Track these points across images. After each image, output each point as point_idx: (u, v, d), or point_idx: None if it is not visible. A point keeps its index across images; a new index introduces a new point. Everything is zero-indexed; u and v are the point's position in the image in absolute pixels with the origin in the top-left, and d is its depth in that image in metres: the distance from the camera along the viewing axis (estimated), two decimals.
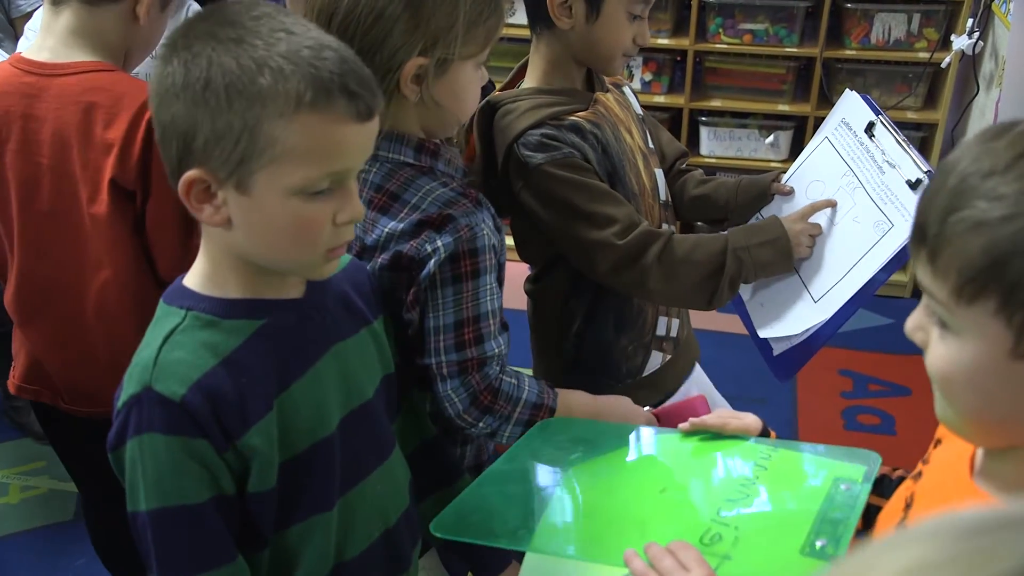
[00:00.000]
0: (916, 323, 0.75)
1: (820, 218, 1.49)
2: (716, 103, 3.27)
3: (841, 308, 1.39)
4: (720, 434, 1.11)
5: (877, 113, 1.47)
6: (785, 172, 1.62)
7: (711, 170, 3.31)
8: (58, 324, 1.49)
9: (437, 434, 1.26)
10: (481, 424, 1.20)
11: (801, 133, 3.24)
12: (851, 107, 1.53)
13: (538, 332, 1.63)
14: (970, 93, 3.02)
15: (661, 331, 1.59)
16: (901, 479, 1.01)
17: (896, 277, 3.29)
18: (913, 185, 1.37)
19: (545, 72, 1.48)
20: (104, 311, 1.44)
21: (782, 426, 2.27)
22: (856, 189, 1.45)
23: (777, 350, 1.49)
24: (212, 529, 0.94)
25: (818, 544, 0.89)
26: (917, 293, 3.65)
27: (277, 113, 0.86)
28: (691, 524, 0.95)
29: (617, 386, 1.50)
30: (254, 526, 0.99)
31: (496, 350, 1.19)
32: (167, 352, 0.92)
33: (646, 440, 1.19)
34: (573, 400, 1.27)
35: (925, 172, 1.36)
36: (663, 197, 1.58)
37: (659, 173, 1.58)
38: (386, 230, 1.15)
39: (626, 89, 1.63)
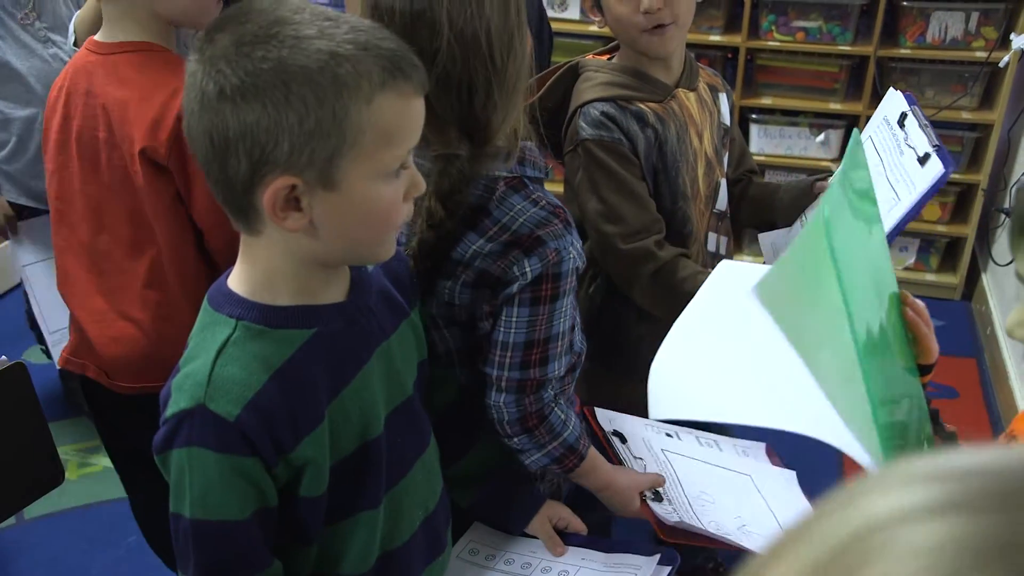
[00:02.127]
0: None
1: None
2: (767, 101, 3.25)
3: None
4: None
5: (911, 104, 1.51)
6: (832, 173, 1.64)
7: (760, 168, 3.29)
8: (109, 298, 1.54)
9: (462, 395, 1.25)
10: (515, 441, 1.21)
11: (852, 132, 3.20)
12: (891, 104, 1.56)
13: None
14: None
15: None
16: (953, 434, 1.00)
17: (947, 279, 3.25)
18: (921, 160, 1.39)
19: (628, 55, 1.57)
20: (154, 285, 1.49)
21: None
22: (879, 176, 1.49)
23: None
24: (250, 541, 0.95)
25: None
26: (967, 295, 3.58)
27: (364, 100, 0.85)
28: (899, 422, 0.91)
29: (631, 382, 1.46)
30: (303, 525, 1.00)
31: (556, 372, 1.19)
32: (220, 368, 0.91)
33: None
34: (597, 461, 1.29)
35: (934, 147, 1.39)
36: (720, 207, 1.61)
37: (723, 183, 1.62)
38: (473, 247, 1.13)
39: (723, 96, 1.66)
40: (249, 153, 0.85)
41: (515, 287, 1.12)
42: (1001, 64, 2.90)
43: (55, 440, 2.54)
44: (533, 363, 1.16)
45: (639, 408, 1.23)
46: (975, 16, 2.99)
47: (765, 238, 1.67)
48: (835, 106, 3.19)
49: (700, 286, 1.43)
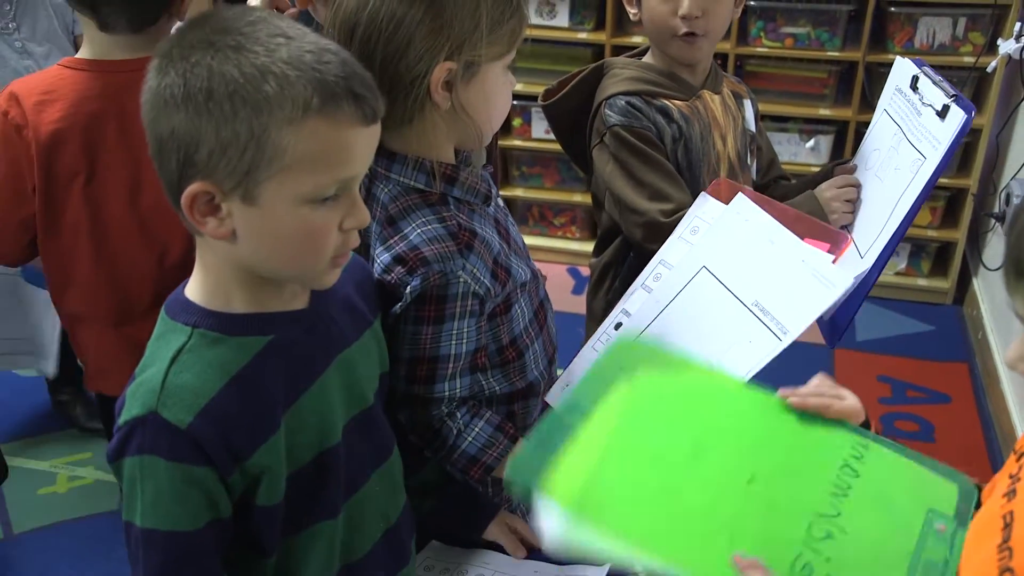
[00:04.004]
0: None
1: (868, 180, 1.52)
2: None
3: (882, 252, 1.41)
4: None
5: (921, 66, 1.50)
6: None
7: None
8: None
9: None
10: (426, 451, 1.22)
11: (842, 138, 3.21)
12: (901, 72, 1.56)
13: (589, 308, 1.68)
14: (1016, 98, 2.97)
15: None
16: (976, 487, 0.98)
17: (938, 284, 3.26)
18: (940, 113, 1.38)
19: (656, 56, 1.60)
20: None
21: None
22: (901, 141, 1.48)
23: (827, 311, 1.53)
24: (201, 553, 0.94)
25: None
26: (958, 299, 3.58)
27: (285, 120, 0.85)
28: (782, 540, 0.88)
29: None
30: (260, 536, 0.99)
31: (447, 392, 1.17)
32: (175, 375, 0.91)
33: (736, 398, 1.05)
34: None
35: (951, 97, 1.37)
36: None
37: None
38: (372, 253, 1.15)
39: (747, 103, 1.68)
40: (176, 154, 0.87)
41: (398, 307, 1.13)
42: (989, 69, 2.91)
43: (45, 453, 2.54)
44: (418, 379, 1.16)
45: None
46: (962, 21, 3.00)
47: None
48: (825, 112, 3.20)
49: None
